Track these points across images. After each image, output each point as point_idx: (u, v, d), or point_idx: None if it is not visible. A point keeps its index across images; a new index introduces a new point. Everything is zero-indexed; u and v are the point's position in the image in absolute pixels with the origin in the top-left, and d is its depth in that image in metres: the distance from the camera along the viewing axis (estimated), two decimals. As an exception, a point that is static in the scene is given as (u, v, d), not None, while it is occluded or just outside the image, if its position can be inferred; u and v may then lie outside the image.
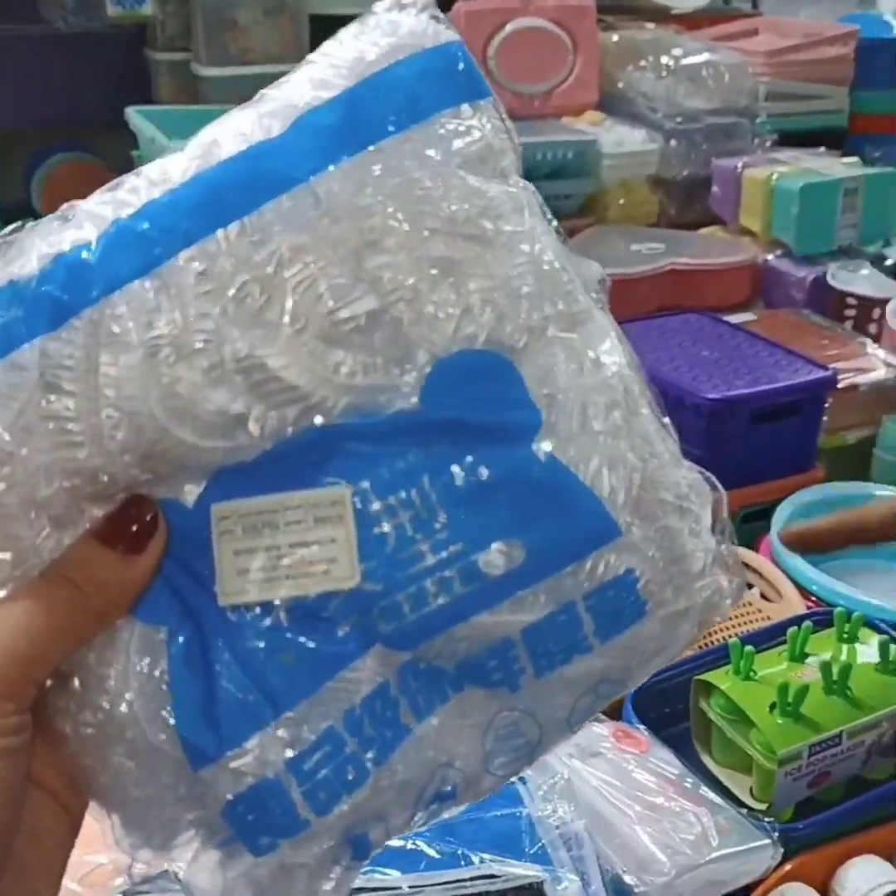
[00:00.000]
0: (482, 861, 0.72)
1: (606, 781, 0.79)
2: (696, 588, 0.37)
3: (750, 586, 1.13)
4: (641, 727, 0.87)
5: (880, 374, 1.40)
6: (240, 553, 0.34)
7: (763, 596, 1.12)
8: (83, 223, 0.35)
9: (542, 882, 0.70)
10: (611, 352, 0.36)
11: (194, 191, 0.34)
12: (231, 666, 0.34)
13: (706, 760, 0.89)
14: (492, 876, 0.71)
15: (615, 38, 2.04)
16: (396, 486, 0.34)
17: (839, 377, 1.33)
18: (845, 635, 0.92)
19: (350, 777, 0.35)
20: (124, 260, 0.34)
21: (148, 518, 0.33)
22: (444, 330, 0.34)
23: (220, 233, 0.33)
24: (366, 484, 0.34)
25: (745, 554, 1.15)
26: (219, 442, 0.33)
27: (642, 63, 1.97)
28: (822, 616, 0.97)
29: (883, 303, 1.53)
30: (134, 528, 0.33)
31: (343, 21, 0.38)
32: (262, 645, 0.34)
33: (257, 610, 0.34)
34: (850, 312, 1.59)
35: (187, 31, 1.97)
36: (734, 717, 0.86)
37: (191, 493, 0.34)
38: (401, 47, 0.35)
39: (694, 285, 1.65)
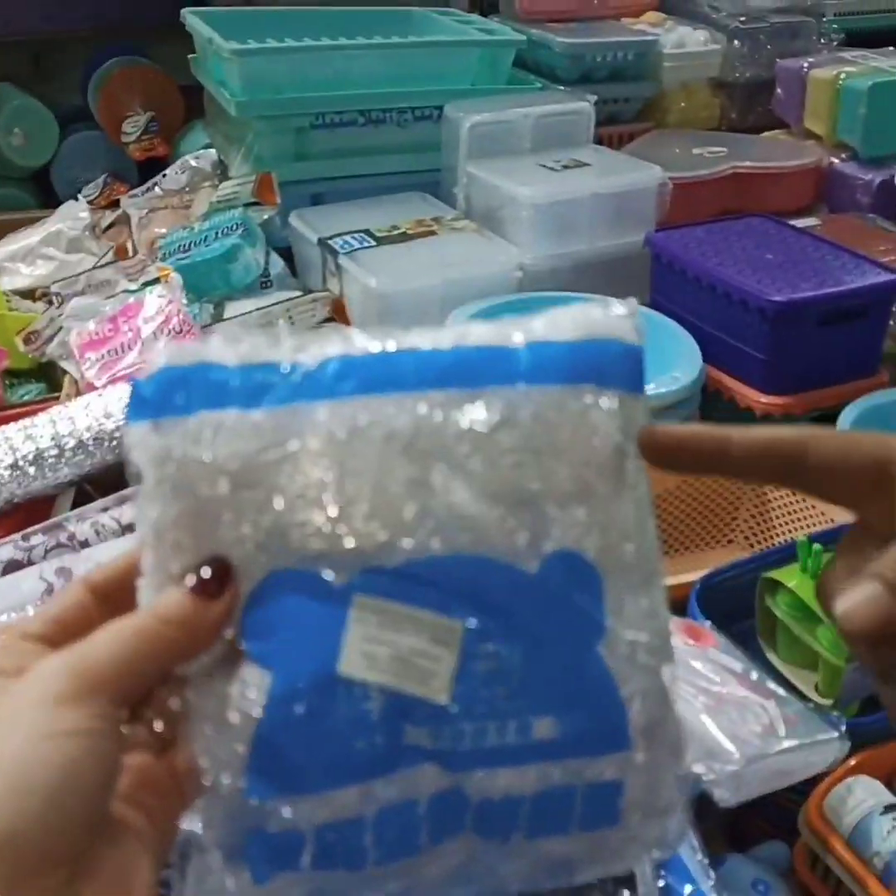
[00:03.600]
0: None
1: (674, 674, 0.80)
2: (651, 824, 0.44)
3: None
4: (706, 623, 0.88)
5: (948, 278, 1.37)
6: (369, 640, 0.41)
7: (826, 499, 1.11)
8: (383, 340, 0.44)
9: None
10: (662, 612, 0.44)
11: (453, 357, 0.43)
12: (315, 726, 0.40)
13: (771, 657, 0.89)
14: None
15: (677, -66, 1.99)
16: (495, 639, 0.41)
17: (906, 281, 1.30)
18: (913, 536, 0.91)
19: (351, 860, 0.41)
20: (390, 376, 0.42)
21: (224, 573, 0.41)
22: (569, 534, 0.42)
23: (457, 390, 0.42)
24: (474, 626, 0.41)
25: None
26: (384, 550, 0.41)
27: (705, -40, 1.92)
28: (888, 518, 0.96)
29: (951, 206, 1.49)
30: (213, 579, 0.40)
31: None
32: (350, 720, 0.40)
33: (359, 690, 0.40)
34: (918, 216, 1.56)
35: (241, -69, 1.93)
36: (800, 615, 0.86)
37: (339, 576, 0.41)
38: (612, 332, 0.45)
39: (757, 189, 1.62)
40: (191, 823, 0.41)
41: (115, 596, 0.43)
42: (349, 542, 0.41)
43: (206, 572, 0.40)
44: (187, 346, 0.42)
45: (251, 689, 0.40)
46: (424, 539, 0.41)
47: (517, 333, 0.44)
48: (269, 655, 0.40)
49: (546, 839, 0.43)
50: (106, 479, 1.07)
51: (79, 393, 1.21)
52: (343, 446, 0.41)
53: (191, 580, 0.40)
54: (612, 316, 0.45)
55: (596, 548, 0.43)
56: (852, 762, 0.79)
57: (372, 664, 0.40)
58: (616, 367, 0.44)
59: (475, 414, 0.42)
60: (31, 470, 1.04)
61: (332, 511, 0.41)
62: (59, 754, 0.35)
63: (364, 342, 0.43)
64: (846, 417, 1.17)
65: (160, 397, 0.41)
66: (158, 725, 0.41)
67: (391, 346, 0.43)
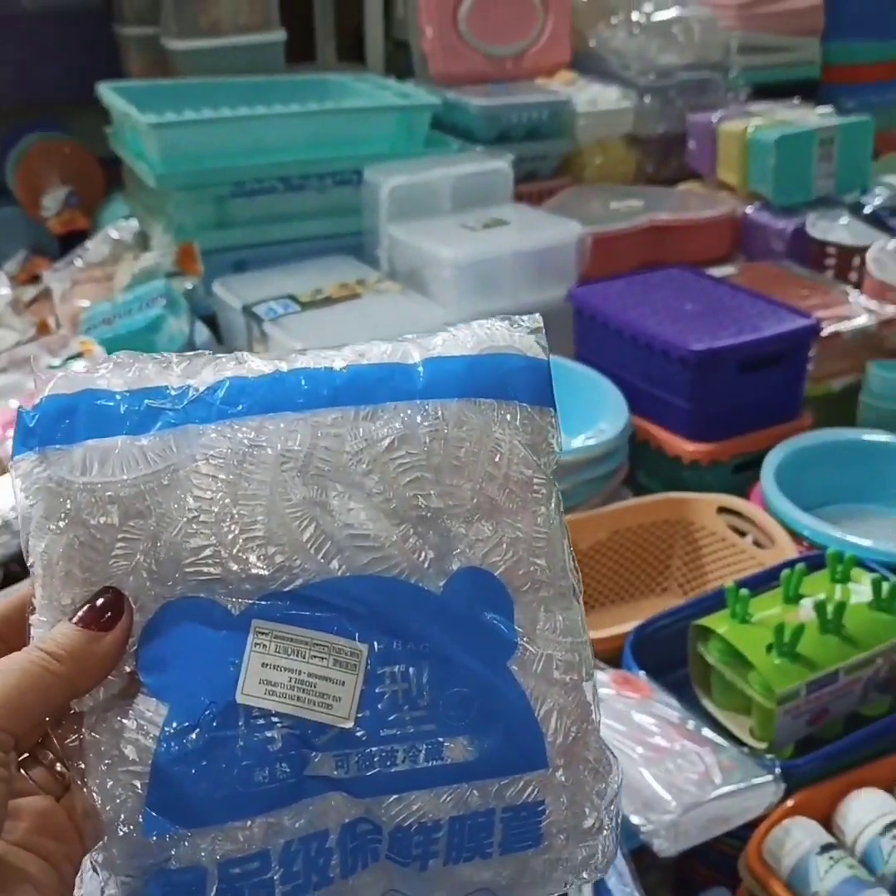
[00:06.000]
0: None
1: (609, 726, 0.80)
2: (578, 846, 0.43)
3: (742, 534, 1.14)
4: (641, 673, 0.88)
5: (862, 320, 1.40)
6: (268, 667, 0.40)
7: (756, 543, 1.13)
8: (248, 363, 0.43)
9: (550, 826, 0.71)
10: (578, 628, 0.44)
11: (347, 375, 0.43)
12: (215, 757, 0.39)
13: (706, 703, 0.90)
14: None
15: (585, -4, 2.04)
16: (402, 661, 0.41)
17: (822, 325, 1.33)
18: (838, 575, 0.93)
19: (258, 895, 0.40)
20: (282, 397, 0.42)
21: (116, 605, 0.40)
22: (475, 551, 0.42)
23: (352, 409, 0.42)
24: (380, 648, 0.41)
25: (737, 502, 1.16)
26: (281, 575, 0.40)
27: (613, 21, 1.97)
28: (814, 559, 0.98)
29: (862, 251, 1.53)
30: (105, 612, 0.40)
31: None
32: (251, 749, 0.39)
33: (260, 719, 0.39)
34: (830, 261, 1.60)
35: (155, 5, 1.95)
36: (732, 660, 0.87)
37: (236, 602, 0.40)
38: (513, 347, 0.45)
39: (674, 240, 1.65)
40: (92, 865, 0.40)
41: (7, 635, 0.42)
42: (245, 568, 0.40)
43: (98, 604, 0.39)
44: (75, 374, 0.42)
45: (147, 723, 0.39)
46: (323, 561, 0.40)
47: (415, 351, 0.44)
48: (166, 687, 0.40)
49: (466, 865, 0.42)
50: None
51: (3, 472, 1.19)
52: (235, 469, 0.40)
53: (81, 612, 0.39)
54: (515, 331, 0.45)
55: (504, 564, 0.42)
56: (788, 804, 0.79)
57: (272, 691, 0.40)
58: (519, 380, 0.44)
59: (371, 432, 0.42)
60: (-43, 552, 1.03)
61: (226, 536, 0.40)
62: None
63: (257, 365, 0.43)
64: (771, 461, 1.19)
65: (45, 427, 0.40)
66: (58, 767, 0.40)
67: (283, 367, 0.43)
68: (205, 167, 1.54)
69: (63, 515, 0.40)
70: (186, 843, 0.39)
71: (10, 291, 1.61)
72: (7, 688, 0.37)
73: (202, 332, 1.47)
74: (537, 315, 0.46)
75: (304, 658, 0.40)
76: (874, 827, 0.78)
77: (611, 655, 0.93)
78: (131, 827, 0.39)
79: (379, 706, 0.40)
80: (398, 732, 0.40)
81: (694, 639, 0.91)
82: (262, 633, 0.40)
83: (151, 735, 0.39)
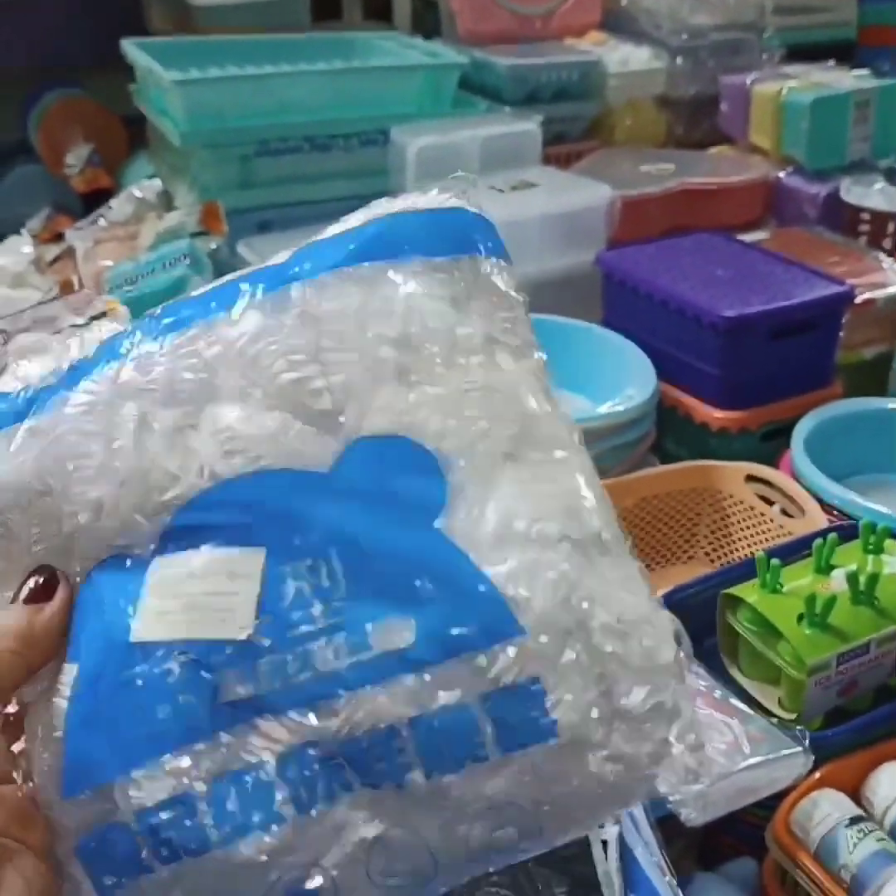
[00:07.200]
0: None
1: (636, 695, 0.79)
2: (636, 733, 0.36)
3: (770, 503, 1.13)
4: (669, 642, 0.87)
5: (896, 288, 1.38)
6: (163, 597, 0.38)
7: (784, 512, 1.11)
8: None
9: (576, 794, 0.70)
10: (549, 486, 0.39)
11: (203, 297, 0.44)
12: (117, 703, 0.38)
13: (734, 673, 0.88)
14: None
15: (617, -46, 2.00)
16: (305, 555, 0.38)
17: (855, 292, 1.31)
18: (871, 546, 0.91)
19: (190, 843, 0.36)
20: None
21: (49, 578, 0.41)
22: (375, 420, 0.39)
23: (203, 321, 0.42)
24: (279, 547, 0.38)
25: (767, 471, 1.14)
26: (172, 493, 0.39)
27: (645, -21, 1.94)
28: (846, 530, 0.96)
29: (897, 217, 1.50)
30: (40, 585, 0.41)
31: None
32: (150, 687, 0.37)
33: (159, 651, 0.37)
34: (864, 227, 1.57)
35: (179, -39, 1.92)
36: (762, 630, 0.85)
37: (141, 549, 0.39)
38: (410, 207, 0.45)
39: (705, 205, 1.62)
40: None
41: None
42: (135, 516, 0.40)
43: (31, 582, 0.41)
44: None
45: (62, 686, 0.39)
46: (201, 479, 0.39)
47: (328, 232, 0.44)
48: (75, 648, 0.40)
49: (458, 775, 0.36)
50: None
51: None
52: (104, 420, 0.41)
53: (22, 594, 0.41)
54: (420, 198, 0.47)
55: (421, 425, 0.38)
56: (817, 776, 0.78)
57: (162, 621, 0.38)
58: (418, 235, 0.44)
59: (226, 334, 0.42)
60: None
61: (112, 491, 0.40)
62: None
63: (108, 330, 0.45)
64: (801, 430, 1.17)
65: None
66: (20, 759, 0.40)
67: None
68: (229, 125, 1.53)
69: None
70: (103, 800, 0.37)
71: (33, 250, 1.59)
72: None
73: (226, 293, 1.46)
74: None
75: (195, 579, 0.38)
76: (904, 800, 0.77)
77: (637, 623, 0.92)
78: (54, 792, 0.38)
79: (283, 606, 0.37)
80: (311, 629, 0.37)
81: (723, 608, 0.89)
82: (159, 566, 0.39)
83: (64, 695, 0.39)
